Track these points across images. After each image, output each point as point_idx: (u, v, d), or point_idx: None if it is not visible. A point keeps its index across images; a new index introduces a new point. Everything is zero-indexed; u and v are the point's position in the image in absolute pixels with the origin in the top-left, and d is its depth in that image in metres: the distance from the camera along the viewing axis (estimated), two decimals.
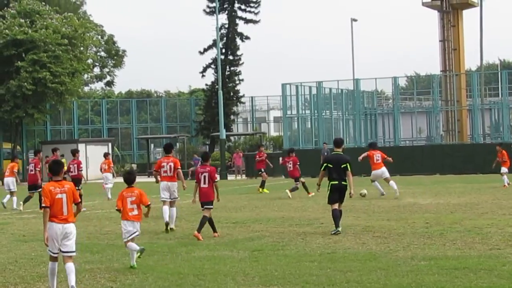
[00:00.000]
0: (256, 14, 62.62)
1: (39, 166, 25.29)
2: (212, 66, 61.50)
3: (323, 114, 49.46)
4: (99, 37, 59.82)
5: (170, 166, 17.69)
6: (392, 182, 25.20)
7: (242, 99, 64.23)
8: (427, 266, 11.46)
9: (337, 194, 16.00)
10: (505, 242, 13.64)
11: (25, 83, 47.37)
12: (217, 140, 54.42)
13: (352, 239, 14.71)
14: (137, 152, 63.86)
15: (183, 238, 15.81)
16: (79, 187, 24.18)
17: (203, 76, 63.12)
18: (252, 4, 62.46)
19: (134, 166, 57.37)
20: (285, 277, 11.01)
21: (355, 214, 19.40)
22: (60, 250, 10.31)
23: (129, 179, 12.78)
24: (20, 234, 17.75)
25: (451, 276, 10.64)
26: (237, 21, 62.39)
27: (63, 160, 34.84)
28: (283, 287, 10.40)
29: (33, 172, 25.33)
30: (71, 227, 10.37)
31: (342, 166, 15.97)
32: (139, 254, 12.30)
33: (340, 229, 15.63)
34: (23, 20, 49.66)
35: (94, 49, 59.79)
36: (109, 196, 28.43)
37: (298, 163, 27.66)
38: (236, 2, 62.01)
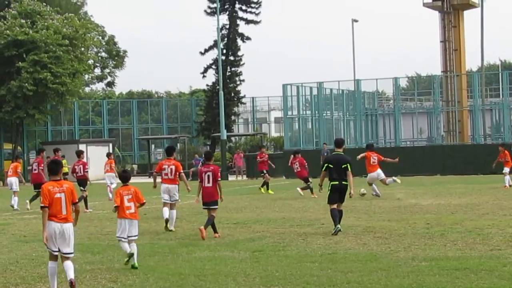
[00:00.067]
0: (257, 14, 62.65)
1: (42, 165, 25.25)
2: (213, 66, 61.44)
3: (324, 114, 49.37)
4: (100, 37, 59.72)
5: (171, 169, 17.77)
6: (389, 180, 25.44)
7: (243, 100, 64.16)
8: (428, 266, 11.46)
9: (337, 194, 16.01)
10: (506, 243, 13.64)
11: (26, 84, 47.33)
12: (218, 141, 54.42)
13: (353, 240, 14.71)
14: (138, 153, 63.80)
15: (184, 239, 15.83)
16: (85, 188, 24.20)
17: (204, 76, 63.09)
18: (253, 5, 62.41)
19: (135, 166, 57.37)
20: (286, 277, 11.01)
21: (356, 215, 19.40)
22: (59, 250, 10.34)
23: (125, 177, 12.97)
24: (21, 235, 17.77)
25: (452, 276, 10.64)
26: (238, 21, 62.33)
27: (64, 161, 34.87)
28: None
29: (36, 171, 25.30)
30: (69, 227, 10.39)
31: (343, 166, 15.98)
32: (127, 258, 12.35)
33: (339, 226, 15.64)
34: (24, 21, 49.62)
35: (95, 49, 59.70)
36: (110, 196, 28.45)
37: (306, 164, 28.00)
38: (237, 2, 61.96)
